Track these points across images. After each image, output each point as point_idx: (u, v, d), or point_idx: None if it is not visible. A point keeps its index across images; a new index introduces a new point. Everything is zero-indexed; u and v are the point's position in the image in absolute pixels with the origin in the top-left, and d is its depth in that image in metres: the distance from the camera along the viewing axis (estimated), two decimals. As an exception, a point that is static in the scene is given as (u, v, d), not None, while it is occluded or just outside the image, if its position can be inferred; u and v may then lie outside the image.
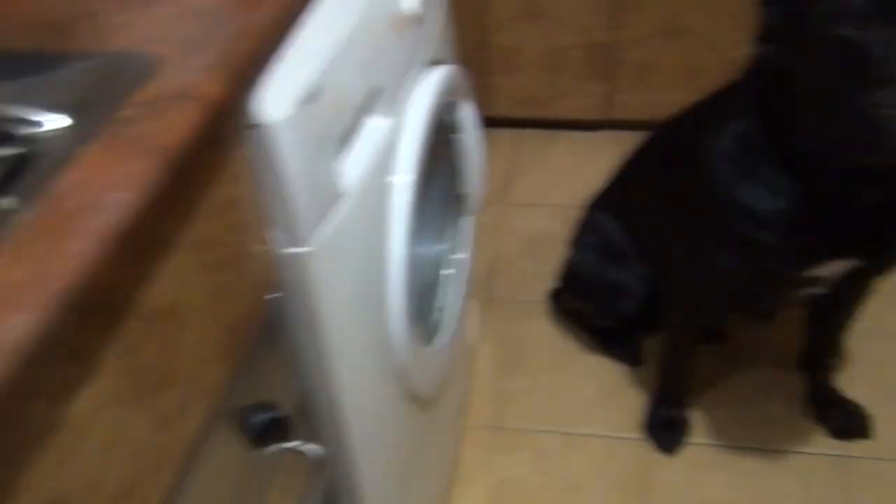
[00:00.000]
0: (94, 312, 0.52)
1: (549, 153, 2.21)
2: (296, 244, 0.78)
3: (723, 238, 1.10)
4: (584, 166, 2.14)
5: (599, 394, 1.61)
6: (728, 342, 1.65)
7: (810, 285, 1.18)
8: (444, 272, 1.32)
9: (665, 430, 1.48)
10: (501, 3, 2.02)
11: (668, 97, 2.06)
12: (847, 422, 1.46)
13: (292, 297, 0.82)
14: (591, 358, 1.67)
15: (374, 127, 0.93)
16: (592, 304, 1.57)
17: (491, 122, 2.24)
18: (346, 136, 0.86)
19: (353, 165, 0.88)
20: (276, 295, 0.81)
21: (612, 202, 1.53)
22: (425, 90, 1.04)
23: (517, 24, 2.04)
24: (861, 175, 0.97)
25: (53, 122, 0.61)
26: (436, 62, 1.10)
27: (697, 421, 1.53)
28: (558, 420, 1.57)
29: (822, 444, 1.47)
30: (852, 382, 1.56)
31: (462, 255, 1.32)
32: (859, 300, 1.33)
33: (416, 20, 0.99)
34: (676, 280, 1.30)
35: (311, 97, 0.75)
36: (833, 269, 1.12)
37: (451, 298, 1.30)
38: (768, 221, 1.05)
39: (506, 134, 2.27)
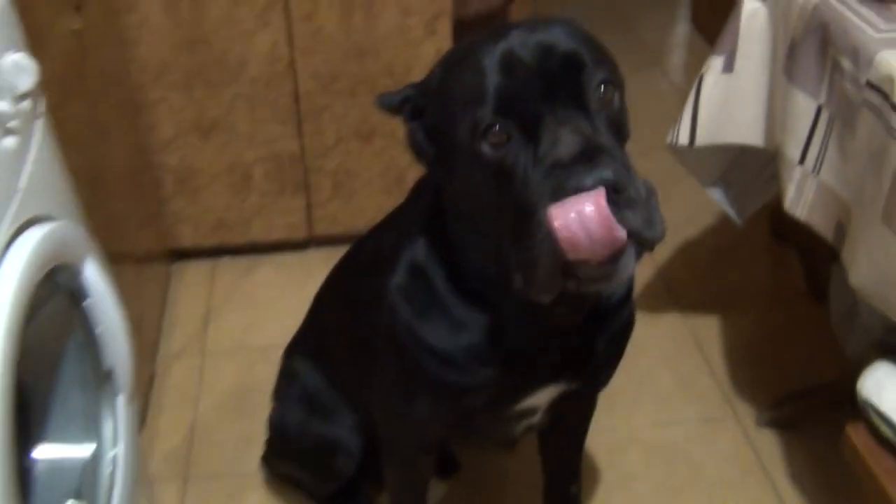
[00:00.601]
0: None
1: (251, 284, 2.16)
2: None
3: (415, 383, 1.09)
4: (292, 295, 2.09)
5: (333, 574, 1.52)
6: (468, 474, 1.65)
7: (528, 416, 1.19)
8: (103, 471, 1.20)
9: None
10: (165, 118, 1.97)
11: (373, 204, 2.11)
12: (603, 553, 1.48)
13: None
14: (318, 530, 1.59)
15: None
16: (305, 469, 1.51)
17: (178, 255, 2.21)
18: None
19: None
20: None
21: (309, 344, 1.49)
22: (11, 261, 0.94)
23: (187, 140, 2.01)
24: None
25: None
26: (33, 222, 1.01)
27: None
28: None
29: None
30: (609, 500, 1.60)
31: (120, 447, 1.21)
32: (584, 420, 1.37)
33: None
34: (381, 429, 1.27)
35: None
36: (545, 396, 1.14)
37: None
38: (459, 360, 1.05)
39: (198, 267, 2.20)
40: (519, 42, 0.87)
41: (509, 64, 0.85)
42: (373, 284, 1.14)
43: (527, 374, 1.08)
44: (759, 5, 1.39)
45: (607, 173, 0.79)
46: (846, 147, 1.19)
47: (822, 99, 1.24)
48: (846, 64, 1.17)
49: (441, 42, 1.94)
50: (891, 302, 1.12)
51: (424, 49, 1.95)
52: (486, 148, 0.85)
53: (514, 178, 0.84)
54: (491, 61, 0.86)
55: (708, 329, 1.98)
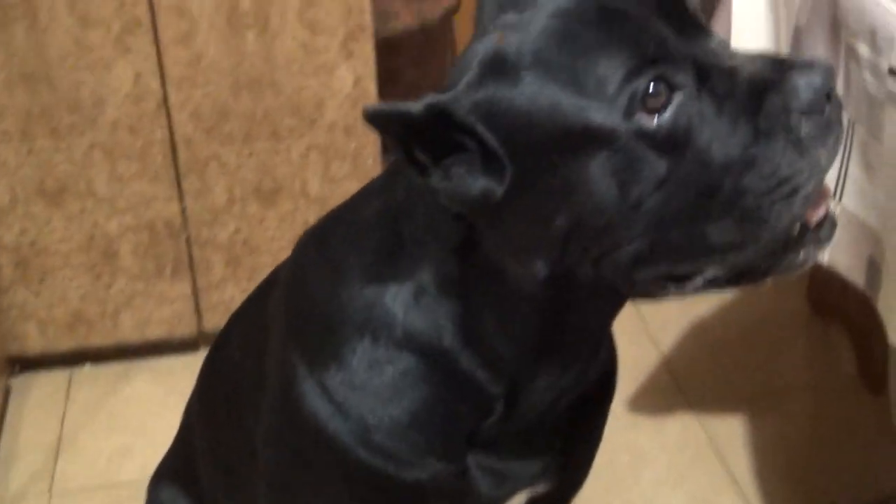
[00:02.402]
0: None
1: (120, 399, 2.13)
2: None
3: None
4: (176, 412, 2.05)
5: None
6: None
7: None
8: None
9: None
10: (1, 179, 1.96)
11: (280, 286, 2.08)
12: None
13: None
14: None
15: None
16: None
17: (21, 364, 2.17)
18: None
19: None
20: None
21: (178, 467, 1.49)
22: None
23: (28, 208, 1.99)
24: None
25: None
26: None
27: None
28: None
29: None
30: None
31: None
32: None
33: None
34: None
35: None
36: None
37: None
38: (422, 451, 1.04)
39: (49, 379, 2.17)
40: None
41: (617, 12, 0.85)
42: (281, 390, 1.11)
43: (501, 467, 1.07)
44: (754, -18, 1.40)
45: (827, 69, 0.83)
46: (871, 158, 1.18)
47: (838, 99, 1.23)
48: (863, 49, 1.16)
49: (361, 67, 1.95)
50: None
51: (339, 76, 1.95)
52: (645, 120, 0.82)
53: (697, 142, 0.83)
54: (590, 15, 0.85)
55: (730, 432, 1.96)
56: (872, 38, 1.15)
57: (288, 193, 2.05)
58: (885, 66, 1.13)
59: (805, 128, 0.82)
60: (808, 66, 0.82)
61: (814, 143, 0.83)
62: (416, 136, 0.85)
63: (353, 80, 1.95)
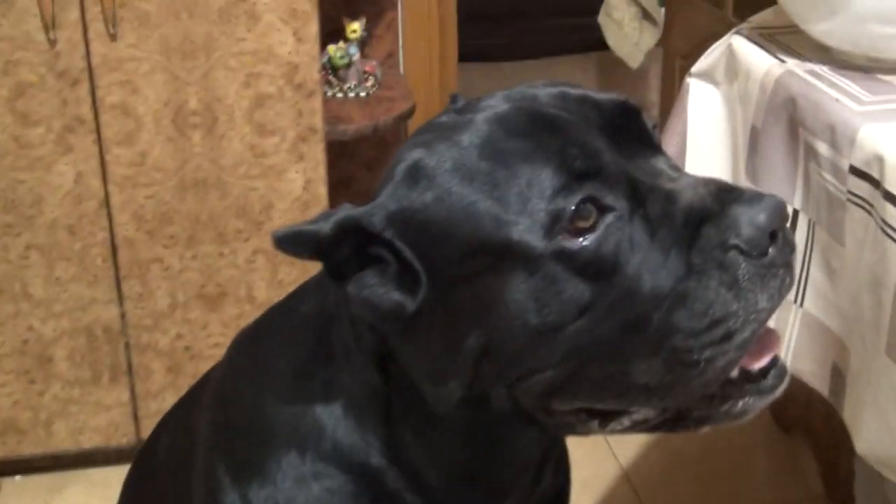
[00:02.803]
0: None
1: None
2: None
3: None
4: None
5: None
6: None
7: None
8: None
9: None
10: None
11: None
12: None
13: None
14: None
15: None
16: None
17: None
18: None
19: None
20: None
21: None
22: None
23: (-41, 310, 1.94)
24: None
25: None
26: None
27: None
28: None
29: None
30: None
31: None
32: None
33: None
34: None
35: None
36: None
37: None
38: None
39: (-22, 492, 2.10)
40: (539, 99, 0.85)
41: (551, 122, 0.82)
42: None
43: None
44: (709, 87, 1.40)
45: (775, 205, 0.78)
46: (833, 261, 1.15)
47: (797, 201, 1.21)
48: (822, 148, 1.15)
49: (311, 170, 1.94)
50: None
51: (289, 179, 1.94)
52: (569, 242, 0.78)
53: (625, 270, 0.78)
54: (521, 123, 0.82)
55: (693, 552, 1.92)
56: (832, 136, 1.14)
57: (233, 298, 2.01)
58: (845, 165, 1.11)
59: (743, 268, 0.77)
60: (753, 199, 0.77)
61: (752, 285, 0.77)
62: (331, 250, 0.83)
63: (303, 182, 1.93)
